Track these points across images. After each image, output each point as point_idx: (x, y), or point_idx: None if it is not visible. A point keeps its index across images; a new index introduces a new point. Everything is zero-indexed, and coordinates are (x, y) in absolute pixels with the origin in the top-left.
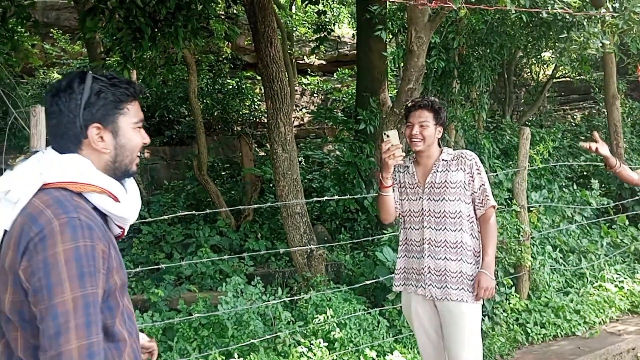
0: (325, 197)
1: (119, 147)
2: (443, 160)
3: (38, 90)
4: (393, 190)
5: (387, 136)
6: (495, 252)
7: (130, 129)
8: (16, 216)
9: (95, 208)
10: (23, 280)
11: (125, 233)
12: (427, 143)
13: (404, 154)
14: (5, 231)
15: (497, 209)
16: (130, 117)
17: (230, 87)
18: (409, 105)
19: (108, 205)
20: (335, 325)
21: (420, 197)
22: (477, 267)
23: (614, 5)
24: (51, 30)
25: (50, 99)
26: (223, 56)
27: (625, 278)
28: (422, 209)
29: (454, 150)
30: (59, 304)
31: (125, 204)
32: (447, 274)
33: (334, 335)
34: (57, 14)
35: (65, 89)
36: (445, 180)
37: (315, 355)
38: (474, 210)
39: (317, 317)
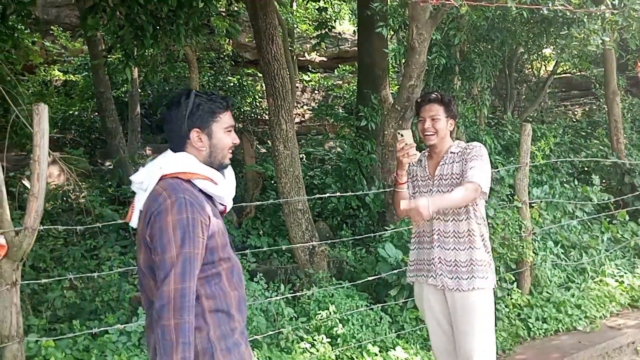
0: (327, 194)
1: (212, 146)
2: (451, 152)
3: (39, 87)
4: (407, 186)
5: (402, 135)
6: (450, 203)
7: (222, 133)
8: (146, 199)
9: (201, 191)
10: (148, 242)
11: (227, 210)
12: (440, 136)
13: (418, 153)
14: (140, 211)
15: (499, 204)
16: (222, 123)
17: (232, 84)
18: (418, 100)
19: (209, 187)
20: (337, 321)
21: (430, 189)
22: (486, 251)
23: (613, 2)
24: (52, 27)
25: (166, 110)
26: (224, 53)
27: (625, 273)
28: None
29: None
30: (167, 257)
31: (222, 186)
32: (458, 264)
33: (336, 331)
34: (57, 11)
35: (176, 103)
36: (452, 172)
37: (318, 351)
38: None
39: (320, 313)
